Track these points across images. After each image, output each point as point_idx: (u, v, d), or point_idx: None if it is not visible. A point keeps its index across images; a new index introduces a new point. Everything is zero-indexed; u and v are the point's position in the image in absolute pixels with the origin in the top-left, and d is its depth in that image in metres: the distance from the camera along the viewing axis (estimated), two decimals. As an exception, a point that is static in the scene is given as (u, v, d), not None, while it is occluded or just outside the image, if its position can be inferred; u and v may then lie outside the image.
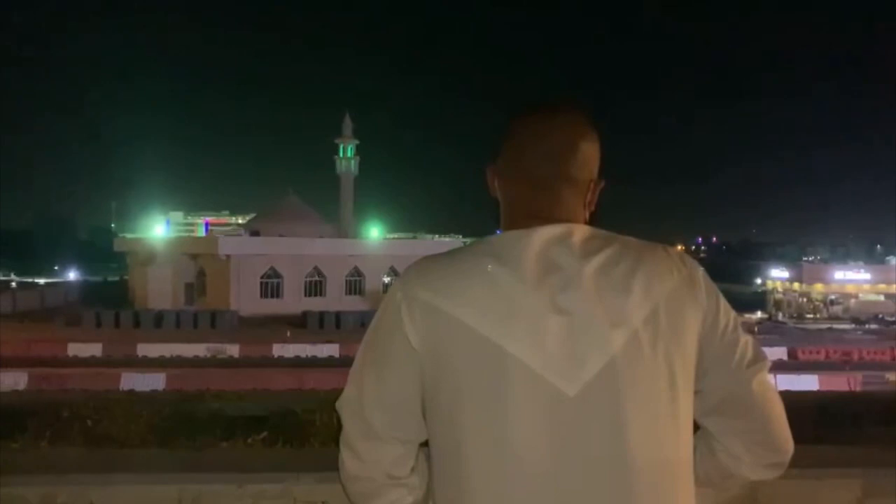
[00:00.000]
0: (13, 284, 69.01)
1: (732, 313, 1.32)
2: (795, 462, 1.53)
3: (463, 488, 1.19)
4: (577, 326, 1.19)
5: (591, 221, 1.37)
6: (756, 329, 47.17)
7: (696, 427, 1.37)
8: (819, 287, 63.65)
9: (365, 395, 1.27)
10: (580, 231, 1.27)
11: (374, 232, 64.05)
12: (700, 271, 1.30)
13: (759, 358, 1.30)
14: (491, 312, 1.19)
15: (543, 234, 1.25)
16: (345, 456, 1.30)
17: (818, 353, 37.64)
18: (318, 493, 1.61)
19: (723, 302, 1.31)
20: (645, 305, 1.21)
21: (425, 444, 1.31)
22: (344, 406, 1.29)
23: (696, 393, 1.29)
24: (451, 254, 1.30)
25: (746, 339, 1.31)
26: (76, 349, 33.30)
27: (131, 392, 26.46)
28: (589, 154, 1.35)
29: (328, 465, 1.44)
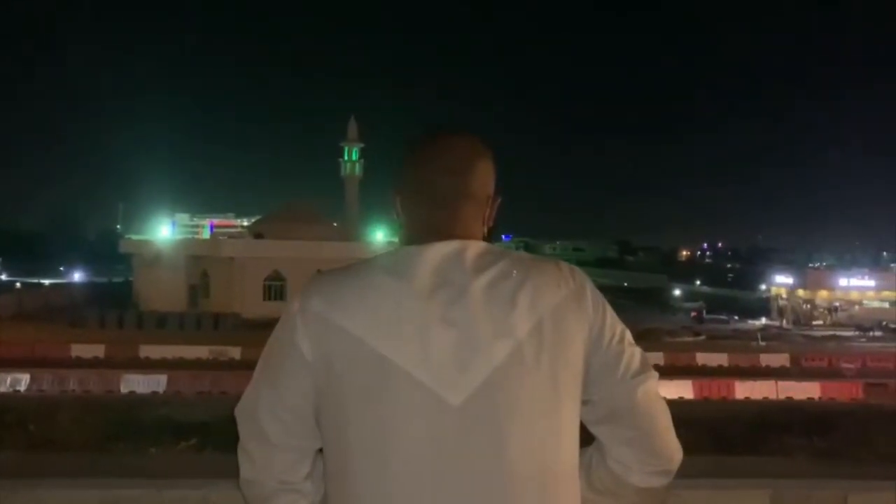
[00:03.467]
0: (18, 285, 69.30)
1: (620, 326, 1.37)
2: (706, 472, 1.55)
3: (349, 495, 1.25)
4: (463, 338, 1.24)
5: (490, 235, 1.42)
6: (759, 336, 46.98)
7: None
8: (823, 293, 63.38)
9: (259, 403, 1.33)
10: (474, 247, 1.32)
11: (379, 235, 64.15)
12: (589, 285, 1.36)
13: (645, 369, 1.35)
14: (381, 325, 1.25)
15: (438, 250, 1.31)
16: (241, 461, 1.36)
17: (821, 360, 37.47)
18: (237, 499, 1.65)
19: (610, 315, 1.36)
20: (530, 318, 1.26)
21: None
22: (240, 413, 1.35)
23: (586, 402, 1.34)
24: (351, 267, 1.35)
25: (633, 351, 1.36)
26: (79, 350, 33.42)
27: (132, 393, 26.57)
28: (485, 172, 1.42)
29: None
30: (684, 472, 1.61)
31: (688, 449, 1.47)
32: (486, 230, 1.42)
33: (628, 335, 1.38)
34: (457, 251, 1.31)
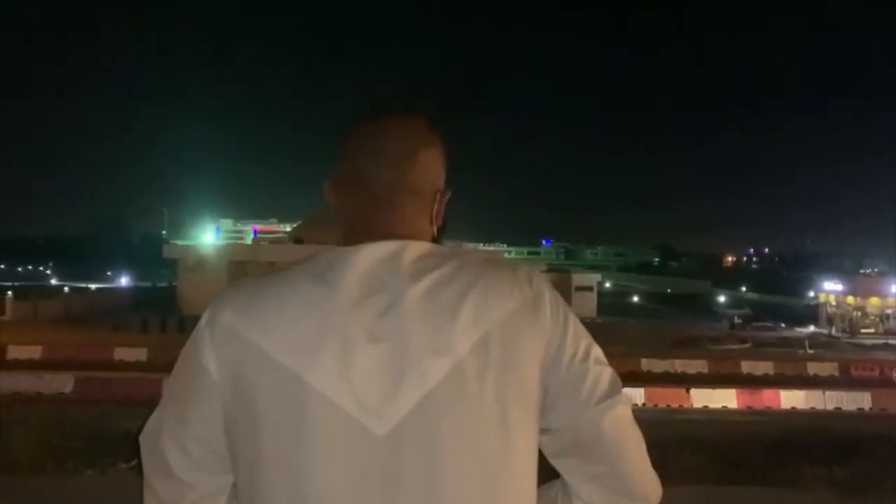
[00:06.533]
0: (66, 289, 71.00)
1: (585, 340, 1.14)
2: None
3: None
4: (393, 356, 1.03)
5: (440, 235, 1.21)
6: (806, 344, 45.65)
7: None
8: (875, 301, 61.25)
9: (163, 431, 1.13)
10: (415, 248, 1.12)
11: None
12: (548, 293, 1.13)
13: (614, 391, 1.13)
14: (298, 341, 1.05)
15: (373, 252, 1.10)
16: (144, 496, 1.16)
17: (872, 369, 36.18)
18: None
19: (573, 328, 1.13)
20: (474, 331, 1.05)
21: None
22: (143, 441, 1.16)
23: (545, 432, 1.12)
24: (275, 273, 1.15)
25: (601, 371, 1.13)
26: (122, 354, 33.96)
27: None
28: (431, 161, 1.20)
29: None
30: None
31: (690, 477, 1.25)
32: (434, 229, 1.21)
33: (596, 351, 1.14)
34: (393, 253, 1.10)
